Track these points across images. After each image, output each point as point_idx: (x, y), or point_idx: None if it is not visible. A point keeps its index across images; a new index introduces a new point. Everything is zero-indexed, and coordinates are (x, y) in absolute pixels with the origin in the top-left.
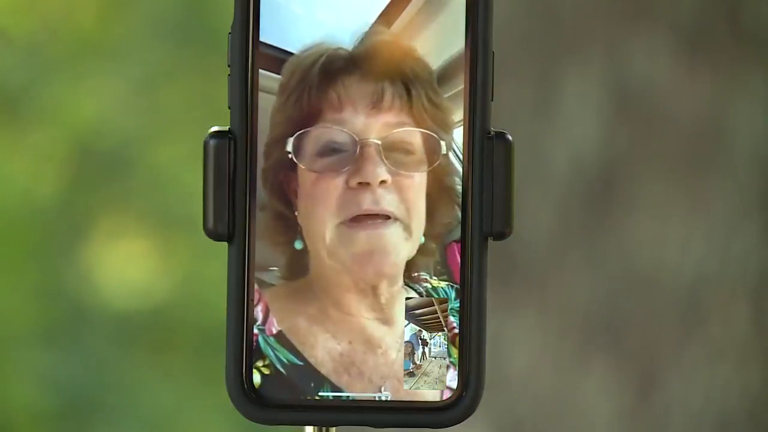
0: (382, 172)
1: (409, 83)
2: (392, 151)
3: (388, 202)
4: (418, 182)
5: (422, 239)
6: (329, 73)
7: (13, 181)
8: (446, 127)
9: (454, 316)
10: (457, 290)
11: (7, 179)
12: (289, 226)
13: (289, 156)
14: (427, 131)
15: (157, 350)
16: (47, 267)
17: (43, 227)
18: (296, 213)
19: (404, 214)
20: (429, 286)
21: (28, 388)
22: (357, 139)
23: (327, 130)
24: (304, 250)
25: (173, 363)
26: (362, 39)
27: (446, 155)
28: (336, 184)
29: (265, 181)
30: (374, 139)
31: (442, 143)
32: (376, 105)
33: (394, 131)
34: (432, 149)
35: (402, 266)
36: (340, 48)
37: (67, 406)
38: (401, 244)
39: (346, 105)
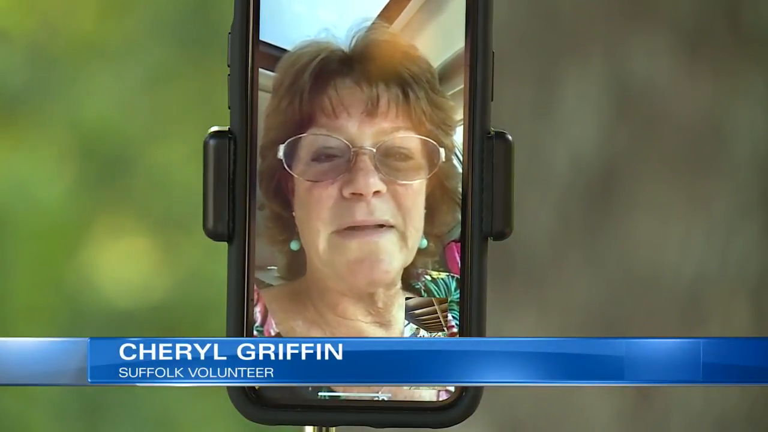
0: (376, 182)
1: (406, 86)
2: (388, 158)
3: (382, 212)
4: (415, 189)
5: (424, 243)
6: (323, 75)
7: (12, 180)
8: (448, 129)
9: (453, 315)
10: (457, 280)
11: (6, 179)
12: (286, 225)
13: (282, 162)
14: (426, 138)
15: None
16: (47, 266)
17: (43, 227)
18: (294, 213)
19: (400, 221)
20: (428, 278)
21: (27, 387)
22: (350, 146)
23: (320, 137)
24: (301, 251)
25: None
26: (359, 39)
27: (447, 161)
28: (329, 194)
29: (262, 180)
30: (369, 147)
31: (442, 150)
32: (370, 110)
33: (390, 137)
34: (431, 155)
35: (398, 272)
36: (334, 49)
37: (68, 405)
38: (396, 251)
39: (340, 110)
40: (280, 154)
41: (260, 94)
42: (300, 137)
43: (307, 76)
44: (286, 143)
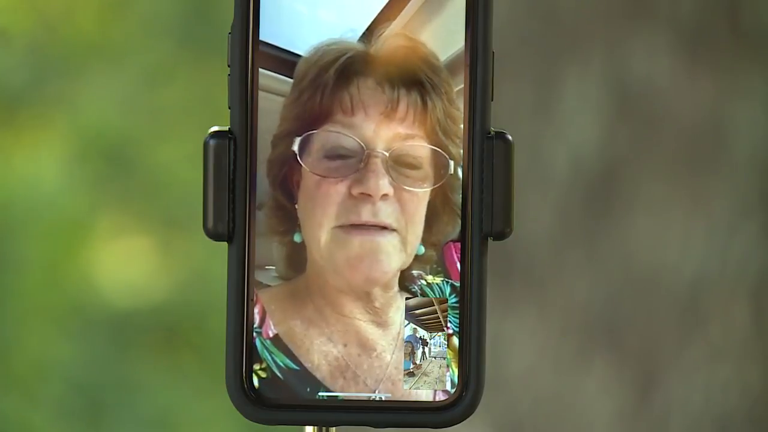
0: (385, 186)
1: (425, 94)
2: (399, 164)
3: (387, 215)
4: (420, 197)
5: (422, 250)
6: (346, 74)
7: (13, 180)
8: (459, 141)
9: (453, 315)
10: (452, 286)
11: (7, 178)
12: (289, 218)
13: (295, 154)
14: (437, 148)
15: (157, 350)
16: (47, 266)
17: (43, 227)
18: (296, 206)
19: (402, 226)
20: (424, 283)
21: (29, 387)
22: (364, 147)
23: (335, 134)
24: (303, 245)
25: (174, 362)
26: (382, 42)
27: (454, 172)
28: (337, 190)
29: (269, 171)
30: (382, 150)
31: (451, 163)
32: (389, 114)
33: (404, 144)
34: (440, 166)
35: (395, 274)
36: (360, 49)
37: (67, 405)
38: (395, 253)
39: (358, 110)
40: (295, 146)
41: (262, 93)
42: (316, 132)
43: (332, 71)
44: (302, 136)
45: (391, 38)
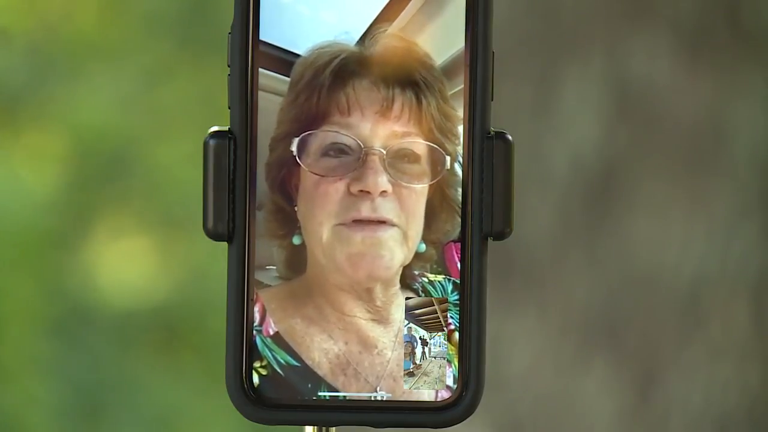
0: (384, 183)
1: (420, 92)
2: (396, 161)
3: (386, 210)
4: (419, 192)
5: (422, 247)
6: (341, 75)
7: (13, 180)
8: (453, 138)
9: (453, 314)
10: (454, 283)
11: (7, 179)
12: (288, 220)
13: (293, 155)
14: (433, 145)
15: (157, 350)
16: (47, 267)
17: (43, 227)
18: (296, 208)
19: (402, 221)
20: (426, 280)
21: (28, 387)
22: (362, 146)
23: (333, 134)
24: (302, 246)
25: (174, 362)
26: (375, 42)
27: (450, 168)
28: (337, 189)
29: (268, 174)
30: (379, 148)
31: (447, 158)
32: (384, 112)
33: (400, 141)
34: (437, 162)
35: (397, 270)
36: (354, 50)
37: (67, 405)
38: (397, 249)
39: (355, 109)
40: (293, 147)
41: (262, 93)
42: (314, 132)
43: (327, 73)
44: (300, 137)
45: (385, 39)
